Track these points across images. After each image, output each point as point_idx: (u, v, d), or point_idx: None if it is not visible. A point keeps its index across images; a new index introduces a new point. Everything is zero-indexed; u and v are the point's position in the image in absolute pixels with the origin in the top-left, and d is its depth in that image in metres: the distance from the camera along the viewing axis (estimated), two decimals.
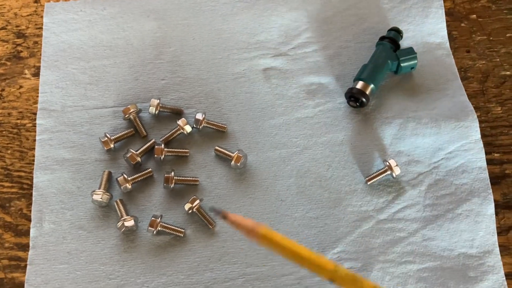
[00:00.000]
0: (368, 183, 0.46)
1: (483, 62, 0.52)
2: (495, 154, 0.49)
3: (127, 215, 0.44)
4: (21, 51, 0.53)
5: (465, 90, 0.50)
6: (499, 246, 0.44)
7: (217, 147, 0.47)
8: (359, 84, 0.48)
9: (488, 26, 0.54)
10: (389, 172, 0.46)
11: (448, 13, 0.54)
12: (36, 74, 0.51)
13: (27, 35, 0.53)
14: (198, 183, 0.46)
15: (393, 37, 0.51)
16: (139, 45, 0.52)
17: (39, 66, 0.51)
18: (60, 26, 0.53)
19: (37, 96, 0.50)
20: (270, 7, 0.54)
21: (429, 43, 0.52)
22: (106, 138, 0.47)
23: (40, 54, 0.52)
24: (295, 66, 0.51)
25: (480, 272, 0.43)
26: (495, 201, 0.46)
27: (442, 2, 0.54)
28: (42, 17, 0.54)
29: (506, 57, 0.53)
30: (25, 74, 0.52)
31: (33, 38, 0.53)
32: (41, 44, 0.52)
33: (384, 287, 0.35)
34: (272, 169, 0.47)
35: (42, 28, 0.53)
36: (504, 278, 0.43)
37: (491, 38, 0.54)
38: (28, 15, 0.54)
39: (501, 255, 0.44)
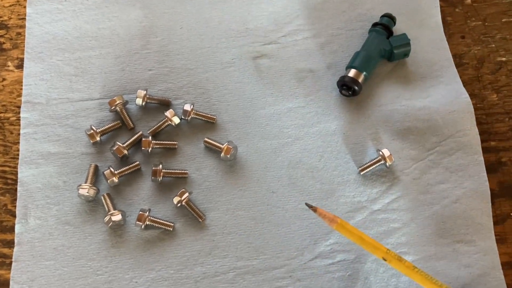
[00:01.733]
0: (361, 173, 0.45)
1: (478, 48, 0.51)
2: (491, 142, 0.48)
3: (115, 209, 0.43)
4: (4, 43, 0.51)
5: (460, 77, 0.49)
6: (495, 235, 0.44)
7: (206, 139, 0.46)
8: (352, 72, 0.47)
9: (483, 11, 0.53)
10: (382, 161, 0.45)
11: None
12: (20, 66, 0.50)
13: (10, 26, 0.52)
14: (187, 175, 0.45)
15: (386, 23, 0.50)
16: (125, 35, 0.51)
17: (23, 58, 0.50)
18: (44, 16, 0.51)
19: (21, 89, 0.49)
20: None
21: (423, 29, 0.51)
22: (92, 131, 0.45)
23: (24, 46, 0.50)
24: (285, 55, 0.50)
25: (475, 260, 0.43)
26: (491, 189, 0.45)
27: None
28: (25, 7, 0.52)
29: (501, 42, 0.51)
30: (8, 66, 0.50)
31: (16, 29, 0.52)
32: (24, 35, 0.51)
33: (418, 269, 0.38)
34: (263, 161, 0.46)
35: (25, 18, 0.51)
36: (500, 267, 0.42)
37: (486, 24, 0.52)
38: (10, 6, 0.53)
39: (497, 244, 0.43)
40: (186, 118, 0.47)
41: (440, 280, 0.39)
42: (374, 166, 0.45)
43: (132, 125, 0.47)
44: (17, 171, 0.46)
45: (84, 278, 0.42)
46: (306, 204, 0.39)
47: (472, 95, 0.48)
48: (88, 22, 0.51)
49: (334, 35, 0.51)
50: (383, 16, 0.50)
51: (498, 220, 0.45)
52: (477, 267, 0.42)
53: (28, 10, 0.52)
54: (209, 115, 0.47)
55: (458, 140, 0.46)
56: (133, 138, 0.46)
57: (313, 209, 0.38)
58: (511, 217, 0.45)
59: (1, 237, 0.44)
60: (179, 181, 0.45)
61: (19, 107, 0.48)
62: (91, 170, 0.45)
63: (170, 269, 0.43)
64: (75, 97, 0.48)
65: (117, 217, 0.43)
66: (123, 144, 0.45)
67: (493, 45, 0.51)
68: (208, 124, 0.48)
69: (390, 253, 0.38)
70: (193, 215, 0.44)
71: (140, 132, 0.46)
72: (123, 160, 0.46)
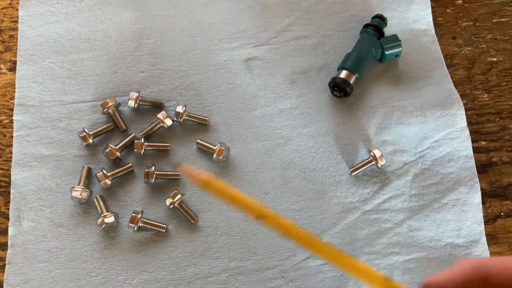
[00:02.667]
0: (353, 174, 0.46)
1: (469, 48, 0.52)
2: (482, 142, 0.48)
3: (107, 211, 0.43)
4: None
5: (451, 77, 0.49)
6: (486, 235, 0.44)
7: (198, 140, 0.46)
8: (343, 74, 0.47)
9: (474, 11, 0.53)
10: (374, 162, 0.45)
11: None
12: (13, 69, 0.50)
13: (2, 28, 0.52)
14: (179, 177, 0.45)
15: (377, 24, 0.50)
16: (117, 37, 0.51)
17: (15, 61, 0.50)
18: (36, 19, 0.52)
19: (14, 92, 0.49)
20: None
21: (414, 30, 0.51)
22: (84, 133, 0.46)
23: (16, 48, 0.50)
24: (277, 56, 0.50)
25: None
26: (482, 189, 0.45)
27: None
28: (17, 10, 0.52)
29: (492, 43, 0.52)
30: (1, 69, 0.50)
31: (9, 32, 0.52)
32: (17, 38, 0.51)
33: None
34: (255, 162, 0.46)
35: (17, 21, 0.52)
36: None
37: (477, 24, 0.53)
38: (2, 8, 0.53)
39: (488, 244, 0.44)
40: (179, 120, 0.47)
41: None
42: (365, 166, 0.45)
43: (124, 127, 0.47)
44: (10, 174, 0.46)
45: (77, 280, 0.42)
46: (171, 162, 0.32)
47: (463, 96, 0.49)
48: (81, 24, 0.51)
49: (326, 36, 0.51)
50: (374, 17, 0.51)
51: (489, 220, 0.45)
52: None
53: (20, 12, 0.52)
54: (201, 117, 0.47)
55: (449, 141, 0.47)
56: (125, 140, 0.46)
57: (176, 164, 0.33)
58: (501, 217, 0.45)
59: None
60: (171, 182, 0.46)
61: (12, 109, 0.48)
62: (84, 172, 0.45)
63: (163, 270, 0.43)
64: (68, 100, 0.48)
65: (110, 219, 0.43)
66: (115, 146, 0.45)
67: (484, 46, 0.52)
68: (200, 125, 0.48)
69: (265, 212, 0.28)
70: (185, 217, 0.44)
71: (133, 134, 0.47)
72: (116, 162, 0.46)
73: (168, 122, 0.46)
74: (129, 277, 0.43)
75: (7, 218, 0.44)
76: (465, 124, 0.47)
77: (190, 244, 0.44)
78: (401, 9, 0.52)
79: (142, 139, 0.46)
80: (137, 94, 0.47)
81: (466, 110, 0.48)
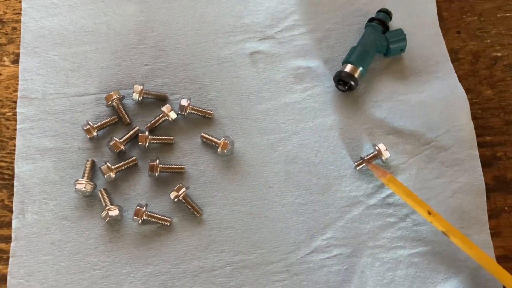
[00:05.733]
0: (358, 168, 0.46)
1: (474, 43, 0.51)
2: (486, 137, 0.48)
3: (112, 204, 0.43)
4: None
5: (456, 72, 0.49)
6: (490, 229, 0.44)
7: (203, 134, 0.46)
8: (348, 67, 0.47)
9: (479, 6, 0.53)
10: (378, 156, 0.45)
11: None
12: (16, 61, 0.50)
13: (5, 20, 0.51)
14: (184, 171, 0.45)
15: (382, 18, 0.50)
16: (121, 30, 0.51)
17: (19, 53, 0.50)
18: (40, 11, 0.51)
19: (17, 84, 0.48)
20: None
21: (419, 24, 0.51)
22: (88, 126, 0.45)
23: (19, 41, 0.50)
24: (282, 50, 0.50)
25: None
26: (486, 184, 0.45)
27: None
28: (20, 2, 0.52)
29: (497, 38, 0.52)
30: (4, 61, 0.50)
31: (12, 24, 0.51)
32: (20, 30, 0.50)
33: None
34: (259, 156, 0.46)
35: (20, 13, 0.51)
36: (495, 261, 0.43)
37: (482, 19, 0.52)
38: (5, 0, 0.52)
39: (492, 238, 0.44)
40: (183, 113, 0.47)
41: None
42: (370, 161, 0.45)
43: (128, 120, 0.47)
44: (13, 167, 0.45)
45: (82, 273, 0.42)
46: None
47: (467, 90, 0.49)
48: (84, 16, 0.51)
49: (331, 30, 0.51)
50: (379, 11, 0.50)
51: (493, 214, 0.45)
52: (472, 261, 0.43)
53: (23, 4, 0.51)
54: (206, 110, 0.47)
55: (454, 135, 0.47)
56: (130, 133, 0.46)
57: (366, 161, 0.42)
58: (505, 211, 0.45)
59: None
60: (176, 176, 0.46)
61: (15, 102, 0.48)
62: (88, 165, 0.45)
63: (168, 263, 0.43)
64: (71, 92, 0.48)
65: (114, 212, 0.43)
66: (120, 139, 0.45)
67: (489, 40, 0.51)
68: (205, 119, 0.48)
69: (431, 209, 0.40)
70: (190, 210, 0.44)
71: (137, 127, 0.46)
72: (120, 155, 0.46)
73: (173, 115, 0.46)
74: (133, 270, 0.43)
75: (11, 211, 0.44)
76: (470, 118, 0.47)
77: (195, 237, 0.44)
78: (406, 3, 0.52)
79: (147, 132, 0.45)
80: (141, 87, 0.47)
81: (471, 104, 0.48)
